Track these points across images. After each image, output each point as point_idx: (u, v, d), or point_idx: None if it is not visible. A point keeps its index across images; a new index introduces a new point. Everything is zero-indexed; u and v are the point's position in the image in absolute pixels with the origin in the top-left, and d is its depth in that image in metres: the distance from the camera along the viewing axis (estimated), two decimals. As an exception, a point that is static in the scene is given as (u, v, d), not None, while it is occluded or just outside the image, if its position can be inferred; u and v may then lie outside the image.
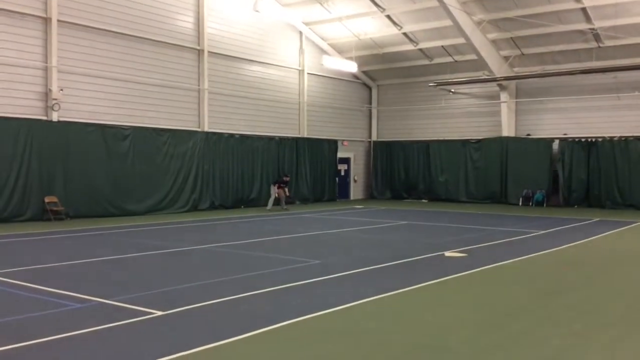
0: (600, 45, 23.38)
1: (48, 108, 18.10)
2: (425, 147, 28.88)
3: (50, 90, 18.02)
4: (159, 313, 6.89)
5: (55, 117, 18.14)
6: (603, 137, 24.51)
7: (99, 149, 19.13)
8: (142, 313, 6.89)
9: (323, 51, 27.45)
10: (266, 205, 22.74)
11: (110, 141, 19.42)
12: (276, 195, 22.88)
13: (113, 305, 7.31)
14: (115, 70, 19.74)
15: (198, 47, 22.28)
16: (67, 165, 18.37)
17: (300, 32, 26.62)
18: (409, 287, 8.53)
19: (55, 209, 17.81)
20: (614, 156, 24.14)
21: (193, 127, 22.22)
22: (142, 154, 20.26)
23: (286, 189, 23.38)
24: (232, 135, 23.46)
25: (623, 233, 16.16)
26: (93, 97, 19.22)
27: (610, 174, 24.25)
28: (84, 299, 7.63)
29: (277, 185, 23.09)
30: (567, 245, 13.19)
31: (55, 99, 18.03)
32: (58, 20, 18.18)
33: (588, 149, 24.76)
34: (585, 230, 16.30)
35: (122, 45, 19.92)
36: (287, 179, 23.87)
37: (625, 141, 24.00)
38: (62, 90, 18.20)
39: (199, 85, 22.37)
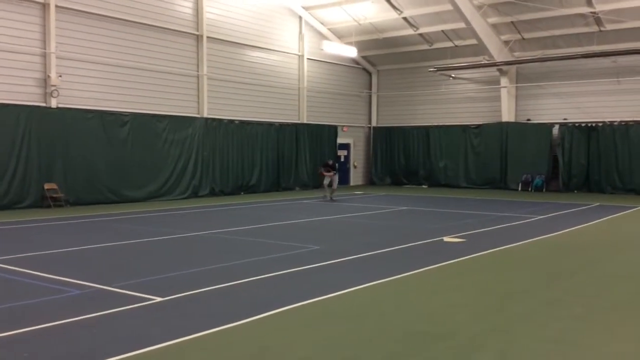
0: (602, 29, 23.23)
1: (47, 95, 18.03)
2: (425, 132, 28.82)
3: (49, 76, 17.93)
4: (159, 299, 6.90)
5: (54, 103, 18.08)
6: (603, 122, 24.44)
7: (99, 136, 19.08)
8: (141, 299, 6.90)
9: (323, 36, 27.30)
10: (324, 195, 21.31)
11: (109, 128, 19.37)
12: (326, 183, 21.30)
13: (112, 291, 7.32)
14: (114, 57, 19.64)
15: (197, 33, 22.15)
16: (67, 152, 18.33)
17: (300, 17, 26.45)
18: (408, 272, 8.54)
19: (54, 195, 17.81)
20: (614, 141, 24.09)
21: (192, 113, 22.16)
22: (141, 140, 20.21)
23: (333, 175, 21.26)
24: (231, 121, 23.40)
25: (623, 218, 16.16)
26: (92, 84, 19.14)
27: (610, 158, 24.22)
28: (83, 285, 7.64)
29: (325, 169, 21.53)
30: (566, 230, 13.19)
31: (54, 86, 17.95)
32: (56, 6, 18.05)
33: (588, 134, 24.71)
34: (585, 215, 16.30)
35: (121, 31, 19.79)
36: (331, 163, 22.09)
37: (625, 126, 23.94)
38: (60, 76, 18.12)
39: (198, 71, 22.27)
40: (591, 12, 22.30)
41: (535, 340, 5.57)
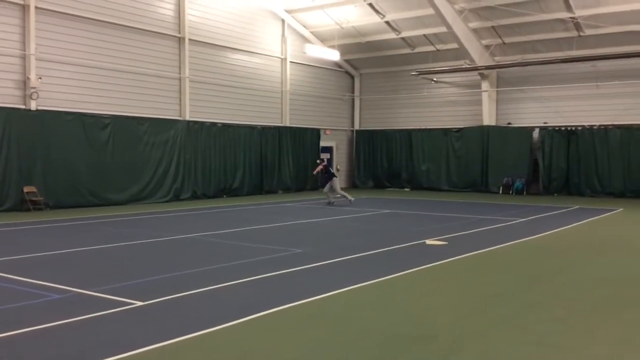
0: (581, 34, 23.55)
1: (26, 97, 17.80)
2: (408, 135, 28.96)
3: (28, 78, 17.72)
4: (140, 303, 6.84)
5: (33, 105, 17.86)
6: (583, 126, 24.76)
7: (79, 138, 18.88)
8: (122, 303, 6.83)
9: (305, 39, 27.32)
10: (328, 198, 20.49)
11: (90, 130, 19.18)
12: (326, 190, 20.73)
13: (93, 295, 7.24)
14: (95, 59, 19.46)
15: (179, 35, 22.04)
16: (46, 154, 18.12)
17: (283, 20, 26.45)
18: (391, 274, 8.56)
19: (34, 199, 17.59)
20: (594, 145, 24.40)
21: (174, 116, 22.03)
22: (122, 143, 20.04)
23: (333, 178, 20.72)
24: (214, 123, 23.30)
25: (602, 220, 16.36)
26: (72, 86, 18.95)
27: (589, 162, 24.52)
28: (63, 289, 7.54)
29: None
30: (547, 233, 13.33)
31: (34, 88, 17.74)
32: (36, 7, 17.85)
33: (568, 138, 25.00)
34: (565, 218, 16.48)
35: (102, 32, 19.63)
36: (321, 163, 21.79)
37: (604, 130, 24.26)
38: (40, 78, 17.91)
39: (179, 74, 22.15)
40: (570, 18, 22.59)
41: (516, 343, 5.61)
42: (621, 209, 19.16)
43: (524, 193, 25.64)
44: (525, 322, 6.29)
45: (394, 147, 29.44)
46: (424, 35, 26.33)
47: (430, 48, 27.13)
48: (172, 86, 22.05)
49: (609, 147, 24.09)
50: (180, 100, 22.28)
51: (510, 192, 25.93)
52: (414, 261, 9.63)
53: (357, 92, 30.99)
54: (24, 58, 17.76)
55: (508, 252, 10.86)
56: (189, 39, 22.29)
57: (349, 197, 20.48)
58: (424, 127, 28.58)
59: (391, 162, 29.60)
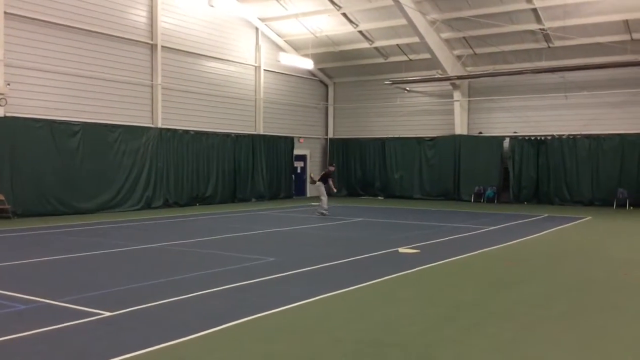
0: (550, 45, 24.00)
1: (-6, 103, 17.49)
2: (381, 144, 29.13)
3: (-5, 84, 17.41)
4: (107, 314, 6.74)
5: (1, 112, 17.51)
6: (552, 135, 25.19)
7: (48, 146, 18.56)
8: (89, 314, 6.72)
9: (279, 48, 27.35)
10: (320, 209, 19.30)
11: (59, 137, 18.88)
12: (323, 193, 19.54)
13: (60, 306, 7.11)
14: (65, 65, 19.21)
15: (151, 42, 21.88)
16: (14, 162, 17.77)
17: (257, 29, 26.45)
18: (362, 283, 8.58)
19: (1, 207, 17.23)
20: (563, 154, 24.84)
21: (146, 123, 21.82)
22: (92, 150, 19.75)
23: (330, 183, 19.90)
24: (186, 131, 23.14)
25: (570, 229, 16.64)
26: (42, 92, 18.66)
27: (558, 171, 24.96)
28: (29, 299, 7.40)
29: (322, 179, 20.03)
30: (516, 241, 13.50)
31: (2, 94, 17.41)
32: (5, 13, 17.52)
33: (537, 147, 25.42)
34: (534, 226, 16.71)
35: (73, 39, 19.38)
36: (332, 169, 21.02)
37: (573, 139, 24.71)
38: (9, 84, 17.59)
39: (152, 81, 21.98)
40: (540, 29, 23.03)
41: (484, 350, 5.67)
42: (589, 217, 19.51)
43: (495, 201, 25.97)
44: (495, 329, 6.36)
45: (368, 155, 29.58)
46: (397, 45, 26.56)
47: (403, 58, 27.38)
48: (145, 93, 21.85)
49: (578, 156, 24.55)
50: (152, 108, 22.09)
51: (482, 200, 26.23)
52: (386, 269, 9.67)
53: (330, 101, 31.10)
54: (-9, 64, 17.45)
55: (478, 260, 10.98)
56: (162, 46, 22.13)
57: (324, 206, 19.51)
58: (397, 136, 28.79)
59: (365, 170, 29.73)
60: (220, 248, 12.05)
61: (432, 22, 23.72)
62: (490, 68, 26.00)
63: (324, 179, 20.09)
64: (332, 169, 21.40)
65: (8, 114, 17.68)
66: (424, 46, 24.36)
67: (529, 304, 7.64)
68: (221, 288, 8.13)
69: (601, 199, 24.11)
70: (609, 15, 21.62)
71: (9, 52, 17.71)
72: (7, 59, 17.65)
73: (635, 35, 22.36)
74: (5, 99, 17.54)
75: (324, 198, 19.52)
